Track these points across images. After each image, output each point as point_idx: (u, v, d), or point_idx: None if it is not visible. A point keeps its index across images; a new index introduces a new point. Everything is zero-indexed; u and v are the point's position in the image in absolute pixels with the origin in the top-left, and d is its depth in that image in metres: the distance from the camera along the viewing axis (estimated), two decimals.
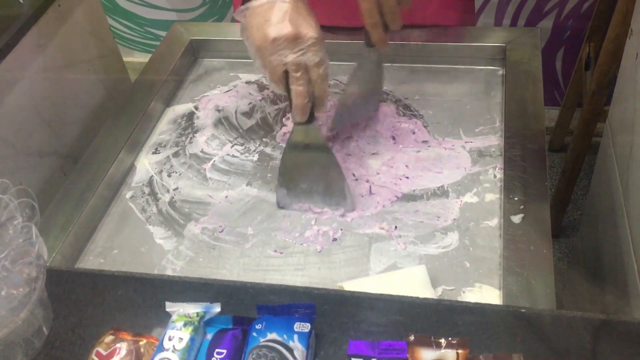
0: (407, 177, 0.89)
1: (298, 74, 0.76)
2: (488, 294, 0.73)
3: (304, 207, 0.87)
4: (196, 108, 1.07)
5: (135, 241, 0.86)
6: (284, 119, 1.01)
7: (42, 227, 0.84)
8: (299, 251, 0.81)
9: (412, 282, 0.73)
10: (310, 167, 0.85)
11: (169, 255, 0.83)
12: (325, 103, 0.81)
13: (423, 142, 0.94)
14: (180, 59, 1.12)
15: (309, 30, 0.74)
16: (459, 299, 0.73)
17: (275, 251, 0.82)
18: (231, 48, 1.15)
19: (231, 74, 1.14)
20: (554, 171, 2.05)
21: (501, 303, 0.70)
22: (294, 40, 0.74)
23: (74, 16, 1.16)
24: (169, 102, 1.09)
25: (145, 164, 0.97)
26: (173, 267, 0.81)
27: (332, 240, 0.82)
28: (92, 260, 0.84)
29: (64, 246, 0.82)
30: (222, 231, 0.85)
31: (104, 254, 0.84)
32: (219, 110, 1.06)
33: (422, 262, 0.78)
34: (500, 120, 0.95)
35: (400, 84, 1.05)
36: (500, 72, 1.05)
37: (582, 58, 1.74)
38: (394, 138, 0.95)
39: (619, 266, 1.06)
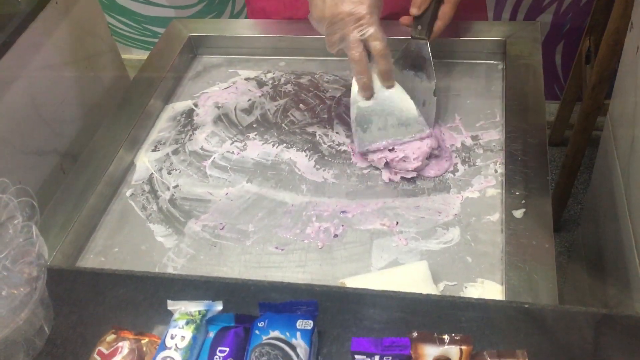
0: None
1: (357, 50, 0.82)
2: (490, 289, 0.73)
3: (382, 145, 0.89)
4: (195, 105, 1.07)
5: (135, 239, 0.85)
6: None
7: (42, 225, 0.84)
8: (300, 248, 0.81)
9: (413, 278, 0.73)
10: (382, 106, 0.88)
11: (170, 253, 0.83)
12: (392, 77, 0.86)
13: None
14: (178, 56, 1.12)
15: (362, 5, 0.80)
16: (461, 294, 0.73)
17: (276, 248, 0.81)
18: (230, 44, 1.15)
19: (230, 71, 1.13)
20: (554, 165, 2.05)
21: (503, 298, 0.70)
22: (350, 15, 0.80)
23: (72, 14, 1.16)
24: (168, 99, 1.08)
25: (145, 162, 0.97)
26: (174, 265, 0.81)
27: (333, 236, 0.82)
28: (92, 259, 0.84)
29: (65, 245, 0.82)
30: (222, 228, 0.85)
31: (105, 252, 0.84)
32: (218, 107, 1.05)
33: (423, 258, 0.78)
34: (501, 115, 0.95)
35: None
36: (501, 66, 1.04)
37: (582, 52, 1.74)
38: None
39: (620, 260, 1.05)
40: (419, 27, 0.90)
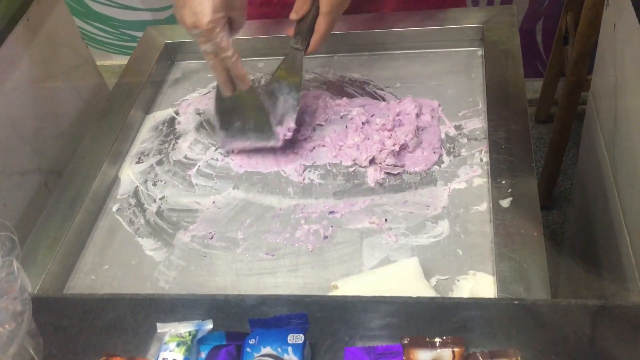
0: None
1: (210, 61, 0.84)
2: (482, 281, 0.73)
3: (239, 145, 0.93)
4: (176, 113, 1.06)
5: (125, 255, 0.85)
6: None
7: (29, 247, 0.83)
8: (290, 252, 0.81)
9: (405, 276, 0.73)
10: (240, 109, 0.91)
11: (161, 266, 0.82)
12: (245, 81, 0.87)
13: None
14: (156, 64, 1.11)
15: (202, 18, 0.78)
16: (454, 287, 0.73)
17: (266, 254, 0.81)
18: None
19: (209, 75, 1.12)
20: (541, 142, 2.05)
21: (495, 289, 0.70)
22: (192, 28, 0.79)
23: (45, 29, 1.14)
24: (148, 109, 1.07)
25: (130, 175, 0.96)
26: (165, 278, 0.81)
27: (323, 238, 0.82)
28: (83, 278, 0.83)
29: (54, 265, 0.81)
30: (212, 238, 0.84)
31: (95, 271, 0.84)
32: (199, 114, 1.04)
33: (414, 253, 0.78)
34: (483, 102, 0.95)
35: (380, 72, 1.04)
36: (480, 52, 1.04)
37: (562, 29, 1.73)
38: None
39: (611, 234, 1.06)
40: (297, 37, 0.90)
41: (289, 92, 0.92)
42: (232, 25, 0.84)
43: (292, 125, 0.92)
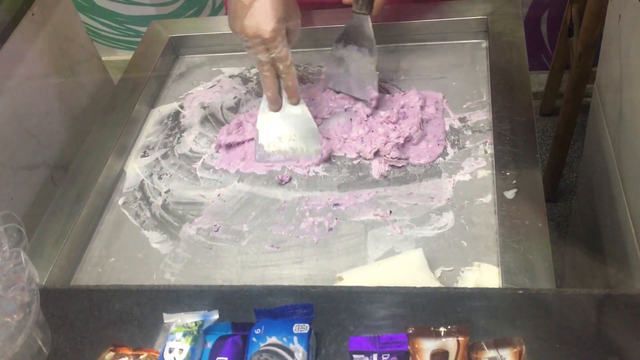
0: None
1: (264, 72, 0.85)
2: (487, 272, 0.73)
3: (279, 158, 0.92)
4: (181, 107, 1.06)
5: (131, 248, 0.85)
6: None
7: (36, 240, 0.84)
8: (295, 244, 0.81)
9: (410, 267, 0.73)
10: (286, 121, 0.91)
11: (166, 259, 0.83)
12: (296, 94, 0.88)
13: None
14: (160, 58, 1.11)
15: (265, 27, 0.80)
16: (458, 279, 0.73)
17: (272, 246, 0.81)
18: (211, 42, 1.14)
19: (213, 69, 1.12)
20: (546, 135, 2.04)
21: (500, 280, 0.70)
22: (255, 37, 0.81)
23: (50, 24, 1.14)
24: (153, 103, 1.08)
25: (135, 168, 0.97)
26: (171, 270, 0.81)
27: (328, 230, 0.82)
28: (89, 271, 0.84)
29: (61, 258, 0.82)
30: (217, 230, 0.85)
31: (101, 263, 0.84)
32: (204, 107, 1.05)
33: (419, 245, 0.78)
34: (487, 94, 0.95)
35: (384, 65, 1.04)
36: (484, 44, 1.04)
37: (567, 21, 1.72)
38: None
39: (616, 228, 1.06)
40: (360, 1, 0.90)
41: (362, 58, 0.93)
42: (287, 37, 0.85)
43: (375, 93, 0.93)
